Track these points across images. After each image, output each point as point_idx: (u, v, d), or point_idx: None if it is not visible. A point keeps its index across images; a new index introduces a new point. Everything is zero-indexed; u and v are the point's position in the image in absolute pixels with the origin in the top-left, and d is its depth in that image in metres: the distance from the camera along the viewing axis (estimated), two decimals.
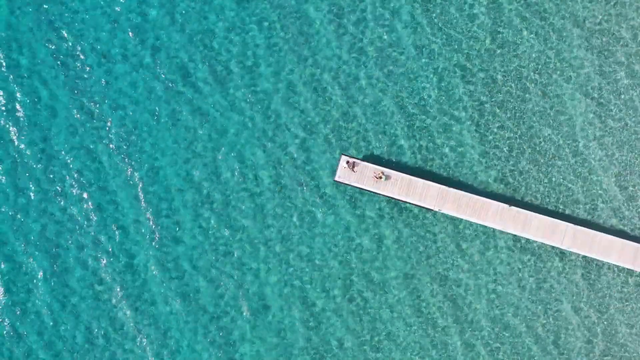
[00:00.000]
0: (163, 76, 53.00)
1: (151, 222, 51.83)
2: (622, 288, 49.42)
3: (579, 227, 49.12)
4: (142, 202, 52.03)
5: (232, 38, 53.16)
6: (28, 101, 53.25)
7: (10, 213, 52.32)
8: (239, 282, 51.07)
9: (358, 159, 50.77)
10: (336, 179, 50.54)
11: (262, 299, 50.95)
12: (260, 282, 51.07)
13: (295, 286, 50.86)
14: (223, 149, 52.20)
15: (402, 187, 50.10)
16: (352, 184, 50.39)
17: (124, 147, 52.54)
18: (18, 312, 51.45)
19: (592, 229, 49.30)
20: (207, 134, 52.40)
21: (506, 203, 49.73)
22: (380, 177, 49.93)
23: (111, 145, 52.58)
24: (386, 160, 51.34)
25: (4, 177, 52.60)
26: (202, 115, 52.56)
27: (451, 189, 49.89)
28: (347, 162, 50.10)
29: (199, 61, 53.04)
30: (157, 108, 52.79)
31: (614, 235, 49.29)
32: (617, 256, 48.88)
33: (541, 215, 49.33)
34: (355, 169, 50.30)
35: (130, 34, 53.47)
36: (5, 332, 51.31)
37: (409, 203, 50.28)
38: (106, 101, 52.97)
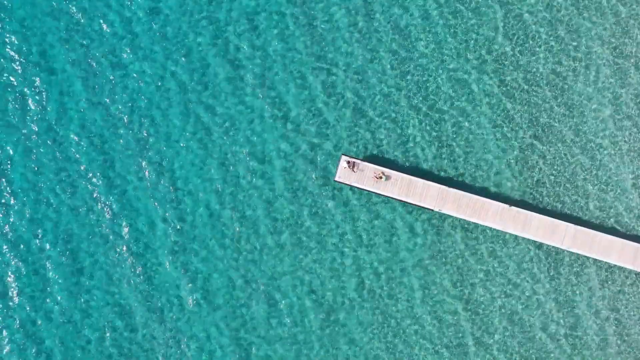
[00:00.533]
0: (173, 72, 53.09)
1: (160, 218, 52.69)
2: (634, 285, 49.62)
3: (579, 227, 49.06)
4: (152, 199, 52.85)
5: (239, 32, 53.00)
6: (37, 96, 53.80)
7: (22, 209, 53.53)
8: (248, 278, 52.03)
9: (358, 159, 50.79)
10: (336, 179, 50.72)
11: (272, 295, 51.92)
12: (269, 278, 52.01)
13: (304, 282, 51.63)
14: (227, 146, 52.56)
15: (402, 187, 50.19)
16: (353, 184, 50.57)
17: (135, 143, 53.12)
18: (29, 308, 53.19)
19: (592, 229, 49.22)
20: (214, 128, 52.77)
21: (506, 203, 49.68)
22: (381, 177, 50.02)
23: (121, 141, 53.18)
24: (386, 160, 51.30)
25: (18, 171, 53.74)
26: (209, 110, 52.88)
27: (451, 189, 49.89)
28: (348, 162, 50.18)
29: (205, 55, 53.12)
30: (166, 104, 53.08)
31: (614, 235, 49.19)
32: (617, 256, 48.87)
33: (541, 215, 49.28)
34: (356, 169, 50.39)
35: (139, 29, 53.57)
36: (19, 326, 53.10)
37: (409, 203, 50.43)
38: (119, 98, 53.47)
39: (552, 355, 49.55)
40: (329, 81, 52.18)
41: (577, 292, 49.79)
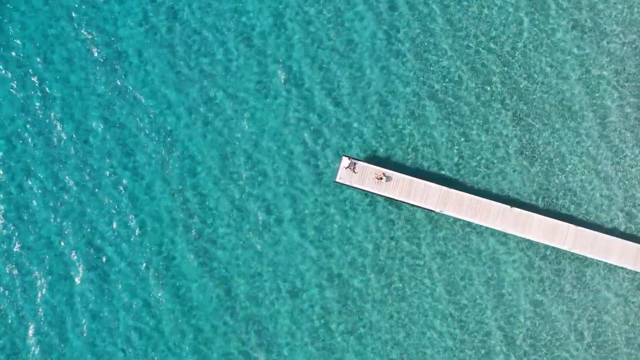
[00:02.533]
0: (183, 64, 52.94)
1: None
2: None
3: (580, 228, 49.03)
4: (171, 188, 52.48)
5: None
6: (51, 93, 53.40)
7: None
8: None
9: (359, 159, 50.59)
10: (337, 180, 50.46)
11: (255, 300, 51.61)
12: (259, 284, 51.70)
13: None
14: (225, 146, 52.27)
15: (403, 188, 50.01)
16: (353, 185, 50.32)
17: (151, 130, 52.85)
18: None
19: (593, 229, 49.23)
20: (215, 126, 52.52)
21: (507, 204, 49.60)
22: (381, 178, 49.82)
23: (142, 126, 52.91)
24: (387, 160, 51.13)
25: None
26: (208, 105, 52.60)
27: (452, 190, 49.76)
28: (348, 162, 49.95)
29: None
30: (167, 92, 52.85)
31: (615, 236, 49.23)
32: (618, 257, 48.86)
33: (542, 216, 49.23)
34: (356, 169, 50.15)
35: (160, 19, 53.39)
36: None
37: (410, 204, 50.25)
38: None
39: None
40: (322, 85, 52.00)
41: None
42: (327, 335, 50.42)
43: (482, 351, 49.60)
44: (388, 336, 50.12)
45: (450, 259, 50.31)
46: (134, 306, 51.57)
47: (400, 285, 50.38)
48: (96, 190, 52.54)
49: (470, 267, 50.19)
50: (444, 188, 49.83)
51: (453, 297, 50.04)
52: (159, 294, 51.54)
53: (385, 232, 50.73)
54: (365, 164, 50.29)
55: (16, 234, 52.58)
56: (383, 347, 50.08)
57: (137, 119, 52.73)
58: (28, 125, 53.14)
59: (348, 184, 50.37)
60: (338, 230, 51.00)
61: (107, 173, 52.57)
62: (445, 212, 49.76)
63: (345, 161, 50.19)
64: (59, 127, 53.01)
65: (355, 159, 50.37)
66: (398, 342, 50.01)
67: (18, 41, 53.72)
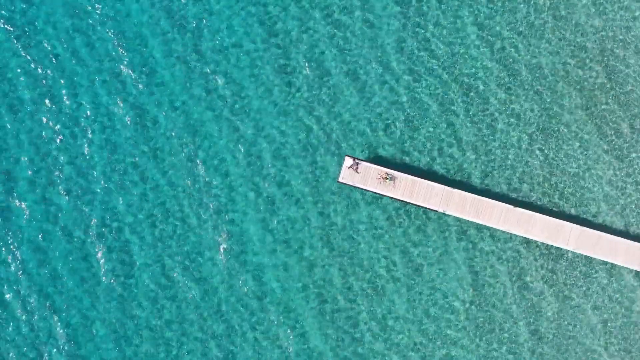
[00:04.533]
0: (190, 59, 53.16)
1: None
2: None
3: (584, 228, 48.85)
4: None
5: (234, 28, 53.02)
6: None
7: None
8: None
9: (362, 159, 50.58)
10: (340, 180, 50.47)
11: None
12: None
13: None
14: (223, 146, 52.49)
15: (406, 188, 49.97)
16: (356, 185, 50.32)
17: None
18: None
19: (597, 229, 49.00)
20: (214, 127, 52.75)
21: (511, 204, 49.49)
22: (385, 178, 49.79)
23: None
24: (390, 160, 51.11)
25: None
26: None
27: (455, 190, 49.70)
28: (351, 162, 49.95)
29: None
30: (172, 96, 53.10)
31: (619, 236, 49.01)
32: (623, 257, 48.66)
33: (546, 216, 49.09)
34: (359, 169, 50.14)
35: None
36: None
37: (413, 204, 50.21)
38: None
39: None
40: (324, 85, 52.06)
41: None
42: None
43: None
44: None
45: None
46: None
47: None
48: None
49: None
50: (447, 188, 49.76)
51: None
52: None
53: None
54: (368, 164, 50.27)
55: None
56: None
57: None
58: None
59: (351, 184, 50.37)
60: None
61: None
62: (448, 212, 49.69)
63: (348, 161, 50.19)
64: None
65: (358, 159, 50.36)
66: None
67: None
